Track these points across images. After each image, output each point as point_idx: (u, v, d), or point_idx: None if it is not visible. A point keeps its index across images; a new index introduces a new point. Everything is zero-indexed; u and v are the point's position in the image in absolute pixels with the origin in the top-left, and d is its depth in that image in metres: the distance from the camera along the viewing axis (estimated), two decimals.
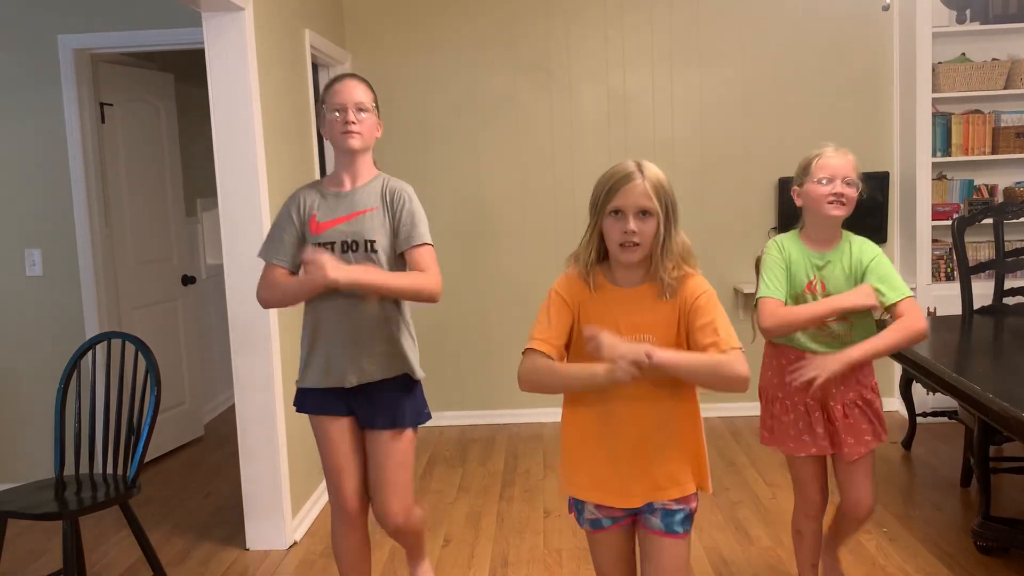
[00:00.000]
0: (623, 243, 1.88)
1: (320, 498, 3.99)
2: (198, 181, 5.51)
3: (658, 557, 1.97)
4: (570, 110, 5.10)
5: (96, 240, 4.39)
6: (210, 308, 5.64)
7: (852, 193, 2.48)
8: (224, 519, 3.90)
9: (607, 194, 1.89)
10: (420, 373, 2.61)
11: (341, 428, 2.57)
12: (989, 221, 4.03)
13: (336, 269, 2.30)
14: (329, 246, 2.46)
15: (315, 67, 4.42)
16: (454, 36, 5.09)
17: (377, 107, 2.56)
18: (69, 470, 3.24)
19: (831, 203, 2.47)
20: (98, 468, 3.65)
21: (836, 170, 2.47)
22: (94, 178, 4.39)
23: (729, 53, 5.03)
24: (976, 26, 4.84)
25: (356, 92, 2.50)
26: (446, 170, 5.11)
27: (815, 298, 2.50)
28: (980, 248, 4.78)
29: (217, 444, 5.07)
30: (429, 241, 2.52)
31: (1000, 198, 4.93)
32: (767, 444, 2.64)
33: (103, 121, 4.49)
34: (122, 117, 4.65)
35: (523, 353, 1.93)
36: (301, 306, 2.58)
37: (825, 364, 2.37)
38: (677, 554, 1.98)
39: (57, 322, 4.36)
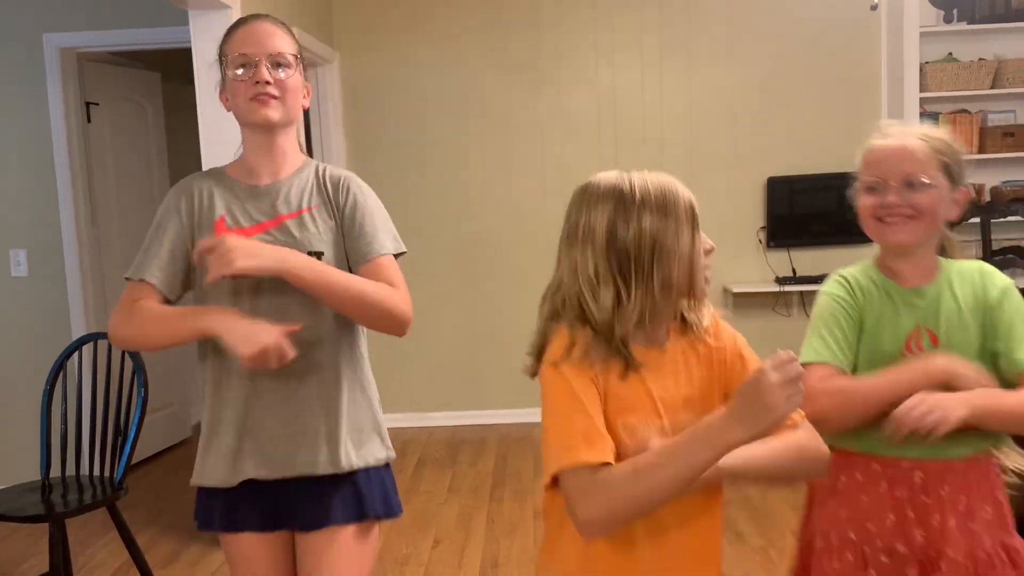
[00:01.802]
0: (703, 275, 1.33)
1: None
2: None
3: None
4: (559, 110, 5.10)
5: (82, 240, 4.36)
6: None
7: (921, 200, 1.54)
8: None
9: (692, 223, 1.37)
10: (390, 453, 1.80)
11: (265, 546, 1.75)
12: (976, 220, 4.05)
13: (253, 254, 1.55)
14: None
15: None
16: (443, 35, 5.08)
17: (302, 61, 1.75)
18: (55, 472, 3.21)
19: (884, 222, 1.57)
20: (85, 470, 3.62)
21: (887, 166, 1.56)
22: (80, 178, 4.36)
23: (718, 53, 5.04)
24: (963, 26, 4.86)
25: (272, 38, 1.70)
26: (435, 170, 5.10)
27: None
28: (967, 247, 4.79)
29: None
30: (394, 250, 1.77)
31: (987, 197, 4.95)
32: None
33: (89, 120, 4.46)
34: (108, 116, 4.62)
35: (565, 475, 1.22)
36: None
37: (944, 403, 1.43)
38: None
39: (43, 323, 4.32)
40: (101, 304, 4.50)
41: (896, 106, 4.87)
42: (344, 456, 1.70)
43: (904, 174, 1.55)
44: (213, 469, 1.72)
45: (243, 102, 1.71)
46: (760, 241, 5.08)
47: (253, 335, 1.54)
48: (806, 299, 4.98)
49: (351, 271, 1.72)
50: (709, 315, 1.39)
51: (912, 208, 1.55)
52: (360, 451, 1.73)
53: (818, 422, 1.35)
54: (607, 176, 1.38)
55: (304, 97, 1.79)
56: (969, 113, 4.89)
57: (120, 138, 4.72)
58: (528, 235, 5.07)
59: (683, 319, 1.37)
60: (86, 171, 4.42)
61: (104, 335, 3.03)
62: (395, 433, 5.07)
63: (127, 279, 1.77)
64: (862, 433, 1.53)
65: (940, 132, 1.61)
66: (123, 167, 4.73)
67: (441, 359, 5.18)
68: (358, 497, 1.73)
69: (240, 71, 1.71)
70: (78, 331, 4.30)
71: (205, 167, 3.38)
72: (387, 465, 1.80)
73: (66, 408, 3.07)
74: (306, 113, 4.50)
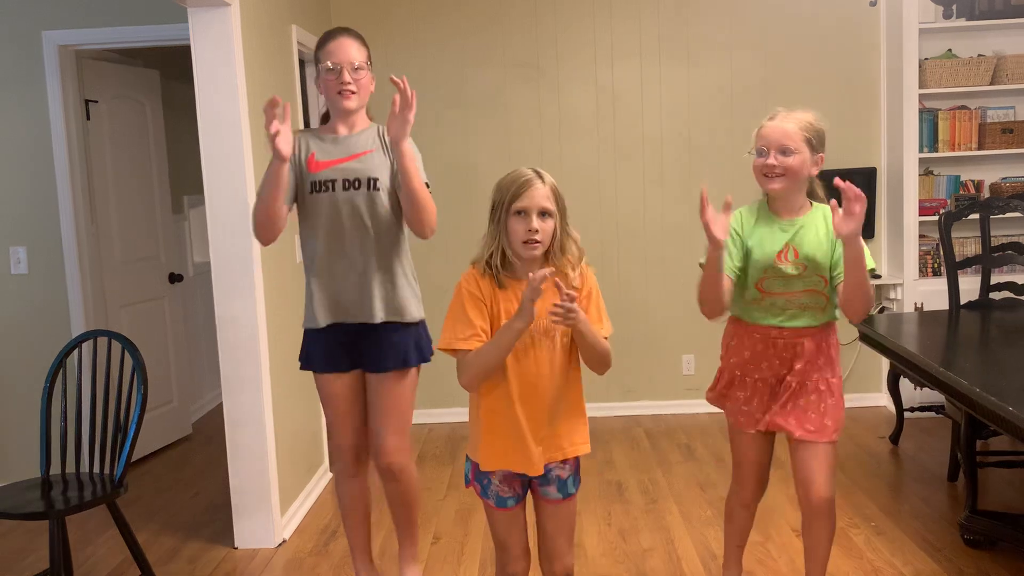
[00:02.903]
0: (527, 240, 2.06)
1: (309, 496, 3.98)
2: (185, 178, 5.48)
3: (555, 518, 2.26)
4: (559, 107, 5.10)
5: (82, 238, 4.36)
6: (197, 306, 5.61)
7: (790, 162, 2.29)
8: (212, 518, 3.88)
9: (511, 197, 2.07)
10: (420, 314, 2.73)
11: (343, 384, 2.71)
12: (975, 216, 4.05)
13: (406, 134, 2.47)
14: (330, 184, 2.56)
15: (302, 63, 4.40)
16: (442, 33, 5.08)
17: (370, 61, 2.62)
18: (55, 469, 3.22)
19: (765, 176, 2.34)
20: (84, 467, 3.63)
21: (768, 138, 2.32)
22: (79, 175, 4.36)
23: (717, 50, 5.04)
24: (962, 22, 4.86)
25: (351, 50, 2.55)
26: (434, 167, 5.08)
27: (789, 268, 2.34)
28: (966, 243, 4.80)
29: (205, 443, 5.05)
30: (427, 181, 2.58)
31: (986, 193, 4.96)
32: (711, 402, 2.62)
33: (88, 118, 4.45)
34: (108, 114, 4.62)
35: (454, 355, 2.11)
36: (291, 302, 2.63)
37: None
38: (571, 513, 2.28)
39: (42, 320, 4.33)
40: (101, 301, 4.51)
41: (895, 102, 4.87)
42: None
43: (779, 144, 2.31)
44: (317, 313, 2.71)
45: (332, 94, 2.59)
46: None
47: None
48: None
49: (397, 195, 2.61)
50: (577, 267, 2.13)
51: (783, 167, 2.31)
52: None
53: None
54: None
55: (371, 85, 2.66)
56: (968, 109, 4.89)
57: (119, 136, 4.71)
58: None
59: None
60: (85, 169, 4.42)
61: (104, 333, 3.05)
62: None
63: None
64: (746, 311, 2.46)
65: (808, 115, 2.35)
66: (122, 165, 4.73)
67: (440, 356, 5.16)
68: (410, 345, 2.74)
69: (331, 73, 2.56)
70: (78, 328, 4.30)
71: (204, 164, 3.40)
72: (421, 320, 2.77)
73: (66, 405, 3.08)
74: (306, 111, 4.50)
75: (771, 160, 2.30)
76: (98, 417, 3.04)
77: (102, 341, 3.08)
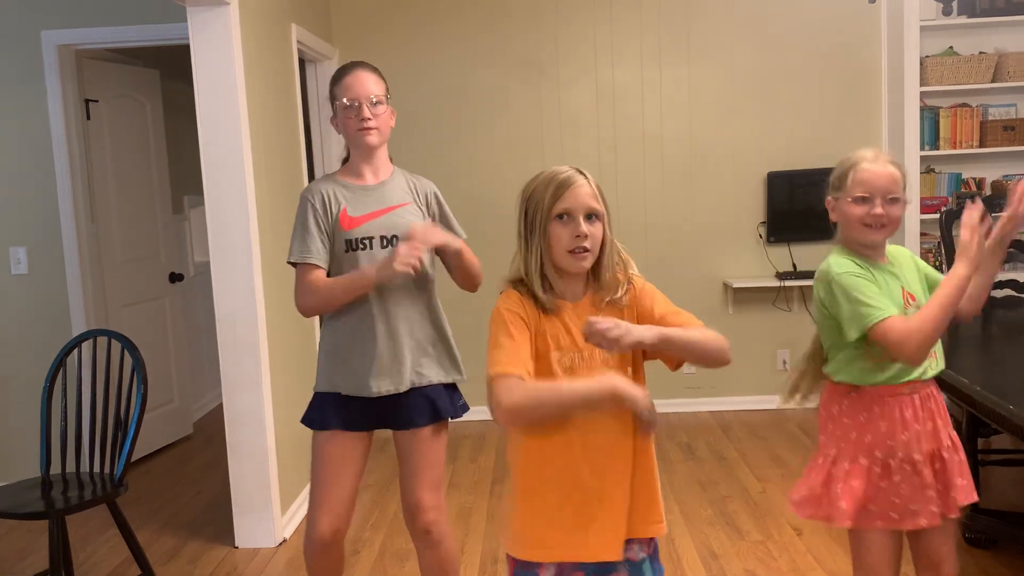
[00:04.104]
0: (574, 249, 1.70)
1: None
2: (185, 178, 5.48)
3: None
4: (560, 105, 5.09)
5: (82, 238, 4.36)
6: (198, 306, 5.61)
7: (896, 212, 2.05)
8: (213, 517, 3.88)
9: (552, 198, 1.71)
10: (460, 376, 2.58)
11: (355, 445, 2.42)
12: None
13: (437, 235, 2.36)
14: (367, 241, 2.36)
15: (302, 62, 4.40)
16: (442, 32, 5.07)
17: (389, 94, 2.45)
18: (55, 469, 3.21)
19: (868, 227, 2.05)
20: (85, 467, 3.63)
21: (875, 185, 2.04)
22: (80, 175, 4.36)
23: (718, 48, 5.03)
24: (963, 19, 4.85)
25: (369, 84, 2.39)
26: (435, 166, 5.08)
27: (911, 311, 2.05)
28: None
29: (206, 442, 5.05)
30: (464, 236, 2.56)
31: (988, 191, 4.95)
32: (858, 524, 2.06)
33: (88, 118, 4.45)
34: (108, 114, 4.61)
35: (492, 381, 1.66)
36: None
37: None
38: None
39: (43, 320, 4.33)
40: (101, 301, 4.51)
41: (896, 100, 4.87)
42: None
43: (887, 192, 2.05)
44: (343, 382, 2.46)
45: (352, 132, 2.39)
46: (760, 236, 5.08)
47: (392, 259, 2.24)
48: (806, 294, 4.97)
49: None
50: (624, 281, 1.80)
51: (889, 218, 2.06)
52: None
53: (914, 355, 1.98)
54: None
55: (391, 119, 2.47)
56: (969, 107, 4.88)
57: (119, 135, 4.71)
58: None
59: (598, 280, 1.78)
60: (86, 168, 4.42)
61: (104, 332, 3.05)
62: None
63: (294, 263, 2.36)
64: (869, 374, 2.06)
65: (895, 161, 2.13)
66: (122, 164, 4.73)
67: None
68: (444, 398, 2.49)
69: (350, 109, 2.37)
70: (78, 328, 4.30)
71: (204, 163, 3.39)
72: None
73: (66, 405, 3.08)
74: (306, 109, 4.50)
75: (879, 210, 2.03)
76: (98, 416, 3.03)
77: (102, 341, 3.07)
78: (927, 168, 4.96)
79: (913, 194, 4.81)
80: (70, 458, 3.16)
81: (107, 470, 2.99)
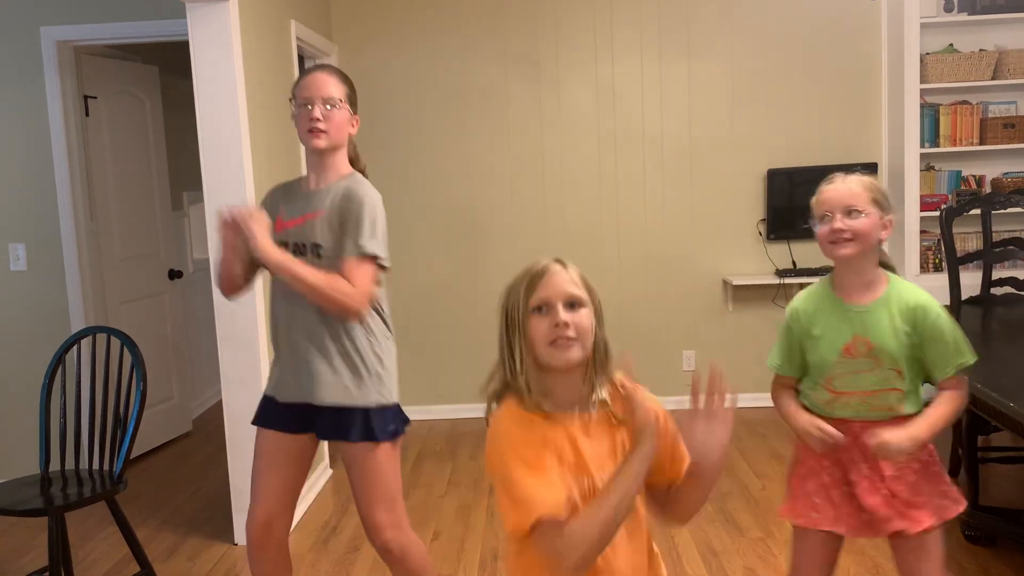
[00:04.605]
0: (555, 339, 1.47)
1: (308, 493, 3.97)
2: (184, 174, 5.47)
3: None
4: (559, 102, 5.08)
5: (81, 234, 4.35)
6: (197, 303, 5.60)
7: (859, 225, 2.00)
8: (212, 514, 3.88)
9: (527, 291, 1.51)
10: (381, 399, 2.36)
11: (287, 444, 2.41)
12: (977, 212, 4.04)
13: (263, 238, 2.18)
14: (283, 246, 2.29)
15: (301, 59, 4.39)
16: (442, 28, 5.06)
17: (352, 101, 2.36)
18: (55, 466, 3.21)
19: (834, 243, 2.02)
20: (84, 464, 3.62)
21: (832, 202, 2.03)
22: (79, 172, 4.35)
23: (718, 45, 5.02)
24: (964, 16, 4.84)
25: (326, 86, 2.30)
26: (434, 163, 5.08)
27: (859, 362, 2.03)
28: (968, 239, 4.79)
29: (205, 439, 5.04)
30: (371, 253, 2.24)
31: (988, 188, 4.94)
32: (782, 516, 2.22)
33: (87, 114, 4.44)
34: (107, 110, 4.61)
35: (534, 534, 1.41)
36: None
37: (898, 438, 1.95)
38: None
39: (42, 317, 4.32)
40: (100, 298, 4.50)
41: (896, 97, 4.86)
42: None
43: (845, 206, 2.01)
44: (269, 383, 2.48)
45: (302, 132, 2.32)
46: (760, 233, 5.07)
47: (264, 238, 2.21)
48: None
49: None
50: (607, 385, 1.56)
51: (852, 231, 2.00)
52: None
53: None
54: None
55: (352, 126, 2.38)
56: (970, 104, 4.87)
57: (118, 132, 4.70)
58: (528, 229, 5.06)
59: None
60: (84, 165, 4.41)
61: (103, 329, 3.04)
62: None
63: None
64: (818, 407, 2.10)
65: (866, 177, 2.07)
66: (121, 161, 4.72)
67: (441, 352, 5.17)
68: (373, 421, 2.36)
69: (303, 108, 2.29)
70: (77, 325, 4.29)
71: (203, 160, 3.39)
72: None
73: (65, 402, 3.07)
74: None
75: (837, 224, 2.00)
76: (97, 413, 3.03)
77: (101, 337, 3.07)
78: (927, 166, 4.96)
79: (912, 191, 4.81)
80: (69, 455, 3.16)
81: (106, 467, 2.98)
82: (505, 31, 5.06)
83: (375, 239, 2.24)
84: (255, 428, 2.47)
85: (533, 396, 1.50)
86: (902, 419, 2.03)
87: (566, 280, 1.52)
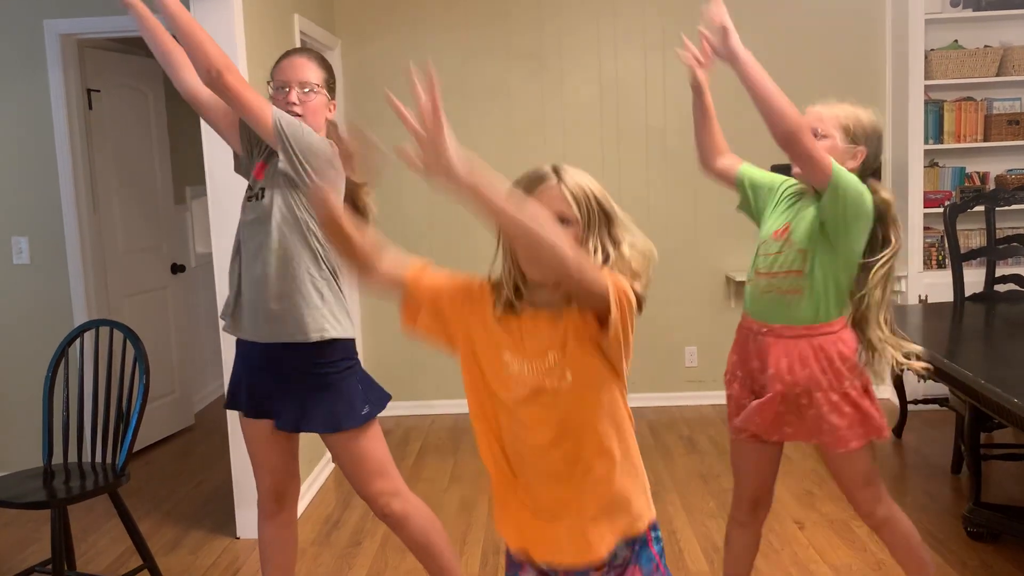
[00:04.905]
0: None
1: (311, 487, 3.98)
2: (187, 168, 5.47)
3: None
4: (562, 98, 5.08)
5: (84, 228, 4.35)
6: (200, 297, 5.60)
7: (824, 145, 2.19)
8: (214, 508, 3.88)
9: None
10: (327, 333, 2.32)
11: (262, 428, 2.45)
12: (981, 208, 4.03)
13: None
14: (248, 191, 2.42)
15: None
16: (445, 22, 5.06)
17: (330, 86, 2.36)
18: (57, 459, 3.21)
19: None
20: (87, 457, 3.63)
21: (808, 118, 2.25)
22: (81, 165, 4.35)
23: None
24: (969, 12, 4.83)
25: (303, 70, 2.32)
26: None
27: (778, 242, 2.25)
28: (971, 235, 4.78)
29: (208, 433, 5.05)
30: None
31: (992, 185, 4.93)
32: (730, 431, 2.39)
33: (90, 108, 4.44)
34: (109, 104, 4.60)
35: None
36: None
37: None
38: None
39: (44, 310, 4.32)
40: (103, 291, 4.50)
41: (900, 93, 4.85)
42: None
43: (811, 126, 2.19)
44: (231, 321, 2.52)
45: None
46: None
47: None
48: None
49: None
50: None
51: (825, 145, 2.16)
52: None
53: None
54: None
55: (329, 111, 2.38)
56: (974, 101, 4.86)
57: (121, 125, 4.70)
58: None
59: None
60: (87, 158, 4.41)
61: (106, 322, 3.04)
62: (397, 421, 5.08)
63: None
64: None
65: (858, 108, 2.24)
66: (124, 154, 4.72)
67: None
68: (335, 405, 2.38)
69: (277, 92, 2.33)
70: (80, 318, 4.29)
71: (206, 154, 3.39)
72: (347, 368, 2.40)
73: (68, 395, 3.07)
74: None
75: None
76: (100, 407, 3.03)
77: (104, 331, 3.07)
78: (931, 162, 4.95)
79: (916, 188, 4.80)
80: (72, 448, 3.16)
81: (109, 460, 2.99)
82: (508, 26, 5.05)
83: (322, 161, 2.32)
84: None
85: (514, 297, 1.57)
86: (800, 329, 2.18)
87: (556, 196, 1.56)
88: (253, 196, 2.38)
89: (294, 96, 2.28)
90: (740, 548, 2.46)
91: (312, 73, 2.33)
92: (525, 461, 1.58)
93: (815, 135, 2.16)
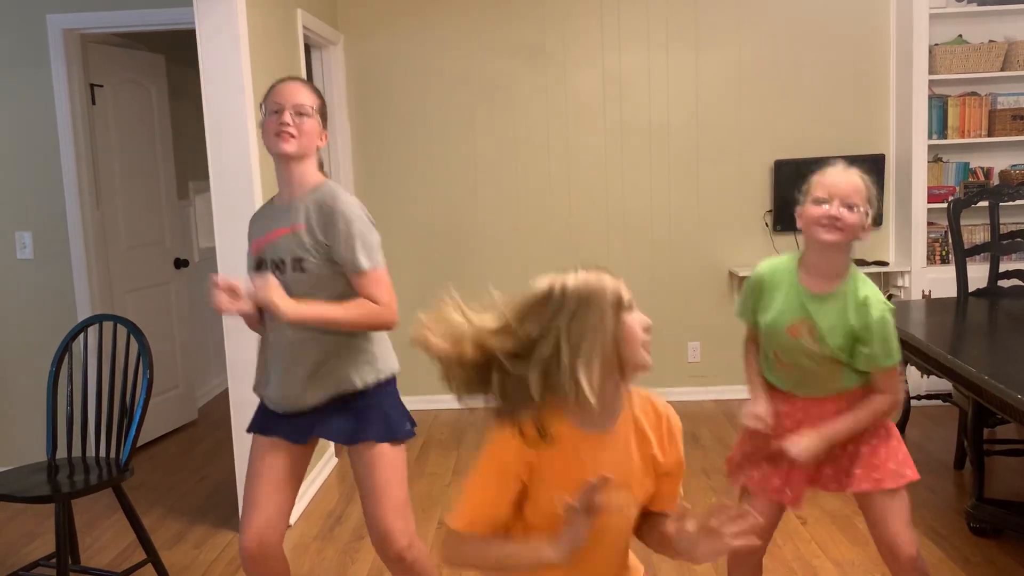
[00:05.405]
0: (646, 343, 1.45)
1: (314, 481, 3.98)
2: (190, 163, 5.47)
3: None
4: (565, 93, 5.07)
5: (87, 223, 4.36)
6: (203, 292, 5.56)
7: (851, 218, 2.07)
8: (218, 502, 3.89)
9: (615, 311, 1.43)
10: (374, 377, 2.31)
11: (288, 455, 2.34)
12: (984, 204, 4.02)
13: (282, 299, 2.12)
14: (261, 265, 2.27)
15: (307, 48, 4.39)
16: (448, 17, 5.05)
17: (323, 115, 2.32)
18: (61, 453, 3.22)
19: (823, 226, 2.09)
20: (91, 451, 3.64)
21: (834, 189, 2.09)
22: (85, 160, 4.35)
23: (725, 36, 5.00)
24: (973, 7, 4.82)
25: (297, 94, 2.25)
26: (440, 153, 5.08)
27: (800, 342, 2.14)
28: (975, 231, 4.77)
29: (211, 428, 5.06)
30: (374, 265, 2.23)
31: (996, 180, 4.92)
32: (729, 476, 2.34)
33: (93, 103, 4.44)
34: (113, 99, 4.60)
35: (448, 531, 1.51)
36: None
37: (807, 447, 2.10)
38: None
39: (48, 305, 4.33)
40: (106, 286, 4.51)
41: (905, 89, 4.84)
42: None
43: (846, 197, 2.07)
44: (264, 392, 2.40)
45: (270, 137, 2.24)
46: (767, 224, 5.06)
47: (283, 298, 2.16)
48: None
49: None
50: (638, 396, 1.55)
51: (844, 223, 2.08)
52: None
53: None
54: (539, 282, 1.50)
55: (321, 139, 2.31)
56: (978, 96, 4.85)
57: (124, 120, 4.70)
58: (533, 217, 5.05)
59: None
60: (91, 153, 4.41)
61: (110, 317, 3.05)
62: None
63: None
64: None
65: (860, 174, 2.14)
66: (127, 149, 4.72)
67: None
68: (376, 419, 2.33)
69: (270, 116, 2.24)
70: (83, 313, 4.30)
71: (209, 150, 3.39)
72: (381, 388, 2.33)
73: (72, 389, 3.08)
74: None
75: (834, 211, 2.07)
76: (104, 401, 3.04)
77: (108, 326, 3.09)
78: (935, 157, 4.94)
79: (920, 183, 4.79)
80: (76, 442, 3.17)
81: (113, 455, 3.00)
82: (512, 20, 5.04)
83: (373, 248, 2.23)
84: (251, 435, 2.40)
85: (540, 423, 1.44)
86: (845, 395, 2.17)
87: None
88: (276, 267, 2.26)
89: (287, 117, 2.21)
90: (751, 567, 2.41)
91: (306, 97, 2.26)
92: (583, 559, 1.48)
93: (852, 207, 2.08)
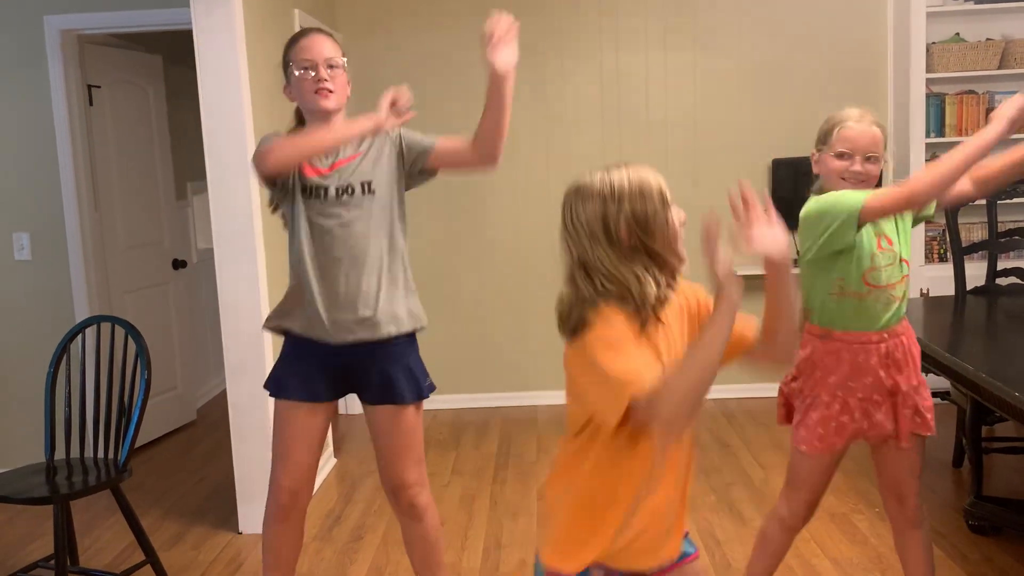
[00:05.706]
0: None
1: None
2: (188, 164, 5.47)
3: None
4: (564, 92, 5.07)
5: (85, 224, 4.35)
6: (201, 292, 5.61)
7: (874, 170, 2.22)
8: (217, 503, 3.89)
9: (662, 199, 1.76)
10: (412, 324, 2.47)
11: (318, 417, 2.43)
12: (982, 202, 4.02)
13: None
14: (322, 190, 2.30)
15: None
16: (446, 17, 5.04)
17: (346, 63, 2.37)
18: (59, 454, 3.22)
19: (845, 180, 2.23)
20: (89, 452, 3.63)
21: (857, 143, 2.22)
22: (82, 161, 4.35)
23: (723, 35, 5.00)
24: (970, 5, 4.82)
25: (326, 47, 2.30)
26: None
27: (886, 254, 2.24)
28: (973, 229, 4.77)
29: (210, 429, 5.06)
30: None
31: None
32: (815, 452, 2.28)
33: (91, 103, 4.44)
34: (110, 99, 4.60)
35: (639, 401, 1.46)
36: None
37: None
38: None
39: (46, 306, 4.33)
40: (104, 287, 4.51)
41: (902, 87, 4.84)
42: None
43: (868, 150, 2.22)
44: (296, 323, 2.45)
45: (308, 96, 2.28)
46: None
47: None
48: None
49: (424, 166, 2.61)
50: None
51: (866, 175, 2.23)
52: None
53: (916, 198, 2.16)
54: (593, 176, 1.72)
55: (347, 88, 2.37)
56: (976, 94, 4.85)
57: (122, 121, 4.70)
58: (532, 218, 5.05)
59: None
60: (88, 154, 4.41)
61: (108, 318, 3.05)
62: None
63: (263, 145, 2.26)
64: (829, 318, 2.27)
65: (876, 118, 2.30)
66: (125, 150, 4.72)
67: (445, 342, 5.17)
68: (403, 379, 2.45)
69: (305, 71, 2.27)
70: (81, 314, 4.30)
71: (207, 150, 3.38)
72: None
73: (70, 391, 3.08)
74: None
75: (858, 167, 2.22)
76: (102, 402, 3.04)
77: (106, 327, 3.08)
78: (932, 155, 4.93)
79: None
80: (74, 443, 3.17)
81: (111, 456, 3.00)
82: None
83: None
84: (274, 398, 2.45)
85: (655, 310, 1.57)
86: (903, 324, 2.31)
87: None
88: (342, 192, 2.33)
89: (323, 73, 2.27)
90: (781, 548, 2.45)
91: (333, 49, 2.32)
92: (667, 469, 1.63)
93: (872, 160, 2.23)
